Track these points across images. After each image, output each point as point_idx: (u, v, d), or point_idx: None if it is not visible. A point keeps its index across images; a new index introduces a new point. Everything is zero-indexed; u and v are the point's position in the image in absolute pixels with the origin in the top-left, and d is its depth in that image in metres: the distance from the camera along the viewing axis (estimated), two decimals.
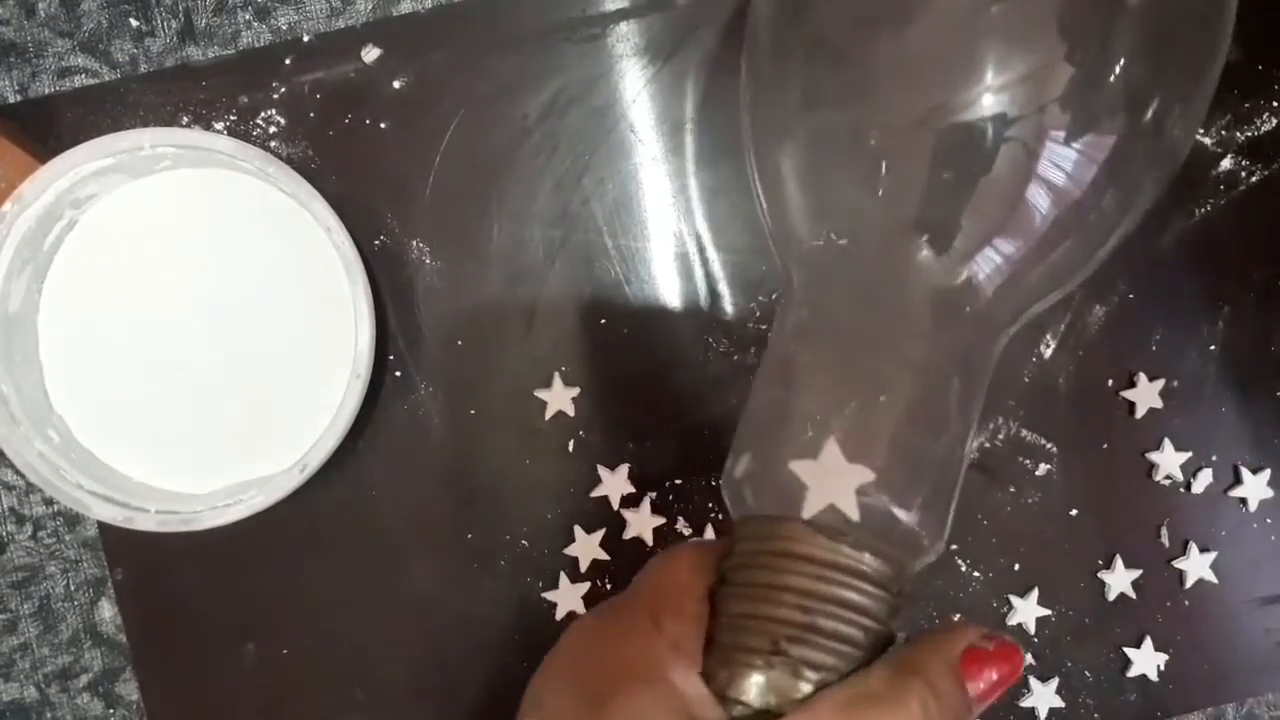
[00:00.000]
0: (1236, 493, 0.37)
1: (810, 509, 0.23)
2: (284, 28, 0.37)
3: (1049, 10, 0.24)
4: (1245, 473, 0.37)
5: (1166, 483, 0.37)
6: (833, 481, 0.23)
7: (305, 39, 0.37)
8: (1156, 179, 0.26)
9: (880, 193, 0.25)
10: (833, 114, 0.26)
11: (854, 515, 0.23)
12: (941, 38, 0.24)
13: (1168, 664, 0.37)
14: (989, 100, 0.23)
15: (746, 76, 0.29)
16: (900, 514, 0.23)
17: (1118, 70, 0.24)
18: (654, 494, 0.37)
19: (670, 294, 0.37)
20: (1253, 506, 0.37)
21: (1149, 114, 0.25)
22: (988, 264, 0.24)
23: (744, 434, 0.25)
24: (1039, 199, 0.24)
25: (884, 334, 0.24)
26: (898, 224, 0.25)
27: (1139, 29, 0.24)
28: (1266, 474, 0.37)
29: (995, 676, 0.22)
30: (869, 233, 0.25)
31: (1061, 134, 0.24)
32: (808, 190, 0.26)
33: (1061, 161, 0.24)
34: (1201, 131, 0.37)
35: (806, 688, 0.22)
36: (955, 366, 0.24)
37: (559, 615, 0.37)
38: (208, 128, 0.37)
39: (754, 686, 0.22)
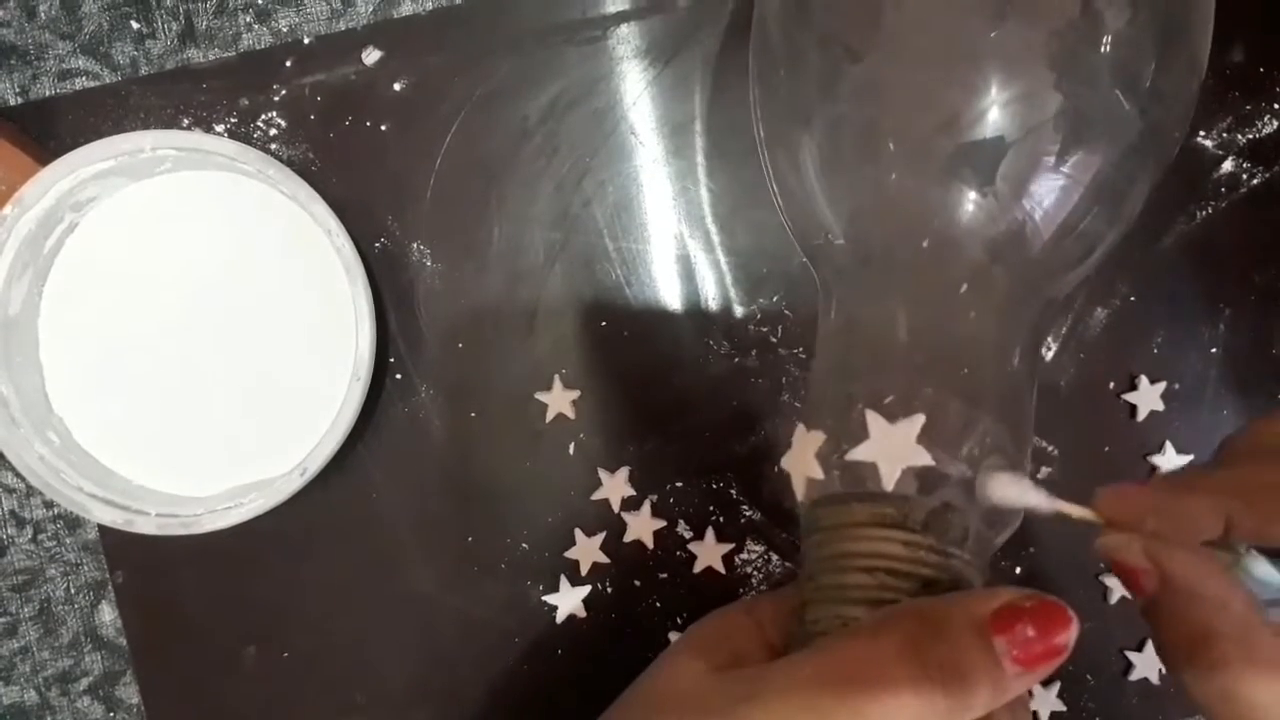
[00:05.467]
0: None
1: (798, 489, 0.25)
2: (284, 30, 0.37)
3: (1040, 36, 0.24)
4: None
5: None
6: (798, 452, 0.25)
7: (306, 41, 0.37)
8: (1158, 153, 0.27)
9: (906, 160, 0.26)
10: (850, 107, 0.27)
11: (818, 475, 0.24)
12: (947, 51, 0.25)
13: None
14: (994, 116, 0.24)
15: (757, 66, 0.29)
16: (856, 453, 0.24)
17: (1105, 88, 0.25)
18: (654, 497, 0.37)
19: (671, 296, 0.37)
20: None
21: (1137, 101, 0.25)
22: (1022, 224, 0.25)
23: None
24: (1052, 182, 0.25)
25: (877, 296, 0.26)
26: (929, 182, 0.25)
27: (1115, 51, 0.25)
28: None
29: (1031, 633, 0.20)
30: (901, 192, 0.26)
31: (1055, 147, 0.25)
32: (830, 175, 0.27)
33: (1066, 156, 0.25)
34: (1203, 133, 0.37)
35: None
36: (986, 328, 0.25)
37: (559, 618, 0.37)
38: (208, 130, 0.37)
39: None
